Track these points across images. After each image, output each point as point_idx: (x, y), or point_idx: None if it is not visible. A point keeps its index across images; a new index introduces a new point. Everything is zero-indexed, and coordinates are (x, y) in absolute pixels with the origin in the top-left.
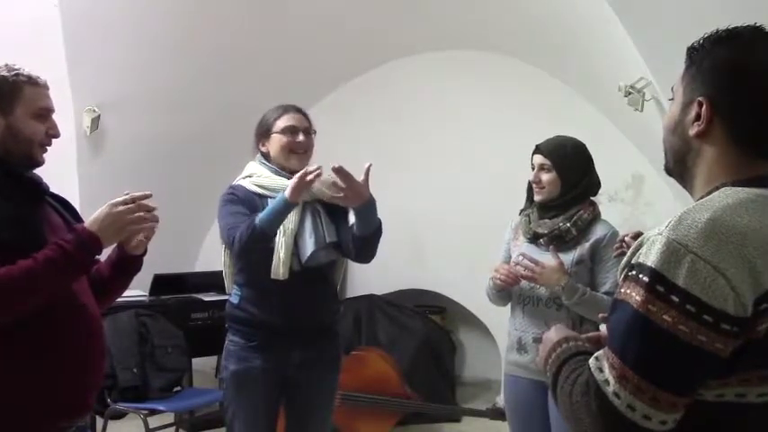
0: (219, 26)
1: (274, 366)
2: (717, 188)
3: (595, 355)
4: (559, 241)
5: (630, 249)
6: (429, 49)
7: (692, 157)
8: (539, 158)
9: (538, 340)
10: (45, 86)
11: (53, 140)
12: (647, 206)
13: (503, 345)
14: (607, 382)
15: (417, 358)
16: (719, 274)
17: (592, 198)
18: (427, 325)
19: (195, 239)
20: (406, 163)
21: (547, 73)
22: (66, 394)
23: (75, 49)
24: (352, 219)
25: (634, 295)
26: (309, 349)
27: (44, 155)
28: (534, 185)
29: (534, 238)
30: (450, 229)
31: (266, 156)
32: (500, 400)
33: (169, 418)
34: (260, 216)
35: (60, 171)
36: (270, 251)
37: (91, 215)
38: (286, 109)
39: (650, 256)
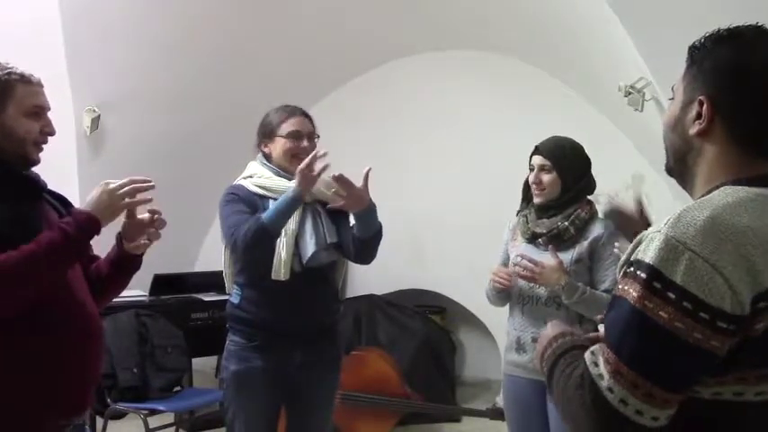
0: (219, 26)
1: (275, 366)
2: (717, 187)
3: (591, 349)
4: (558, 240)
5: (630, 246)
6: (429, 49)
7: (692, 156)
8: (539, 159)
9: (537, 340)
10: (38, 84)
11: (51, 139)
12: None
13: (503, 345)
14: (601, 376)
15: (417, 358)
16: (717, 273)
17: (589, 197)
18: (427, 325)
19: (195, 239)
20: (406, 163)
21: (547, 73)
22: (65, 392)
23: (75, 48)
24: (352, 219)
25: (631, 291)
26: (310, 349)
27: (40, 153)
28: (534, 186)
29: (533, 238)
30: (450, 229)
31: (268, 156)
32: (500, 400)
33: (169, 418)
34: (265, 215)
35: (60, 171)
36: (271, 251)
37: None
38: (291, 112)
39: (648, 252)
